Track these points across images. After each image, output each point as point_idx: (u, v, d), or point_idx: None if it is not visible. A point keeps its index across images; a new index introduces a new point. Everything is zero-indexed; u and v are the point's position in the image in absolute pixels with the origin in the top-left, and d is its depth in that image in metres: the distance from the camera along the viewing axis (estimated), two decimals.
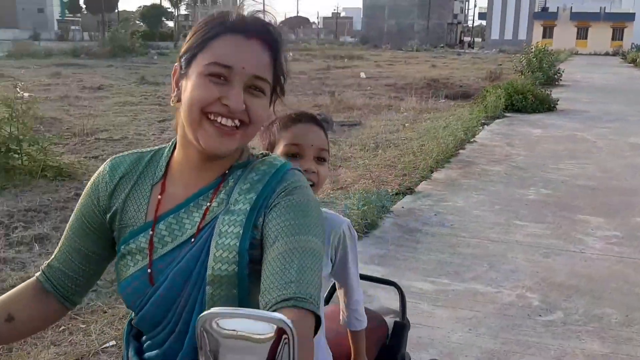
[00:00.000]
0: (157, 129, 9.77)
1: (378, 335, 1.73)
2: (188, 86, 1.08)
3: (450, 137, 8.58)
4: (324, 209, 1.49)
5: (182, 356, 1.09)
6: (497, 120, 11.81)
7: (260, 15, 1.12)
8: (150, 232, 1.13)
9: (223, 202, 1.12)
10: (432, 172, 7.13)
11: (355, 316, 1.57)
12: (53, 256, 1.22)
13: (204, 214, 1.11)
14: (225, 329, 0.68)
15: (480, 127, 10.70)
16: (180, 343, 1.09)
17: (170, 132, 9.31)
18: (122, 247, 1.15)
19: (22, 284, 1.22)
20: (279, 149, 1.43)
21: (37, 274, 1.22)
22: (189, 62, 1.10)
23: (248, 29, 1.09)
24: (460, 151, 8.58)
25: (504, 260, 4.45)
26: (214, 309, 0.71)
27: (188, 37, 1.12)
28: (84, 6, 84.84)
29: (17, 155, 6.54)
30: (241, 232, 1.06)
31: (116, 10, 79.01)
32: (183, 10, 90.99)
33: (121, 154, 1.25)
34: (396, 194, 6.10)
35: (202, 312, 1.04)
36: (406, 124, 10.66)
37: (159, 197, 1.16)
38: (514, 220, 5.42)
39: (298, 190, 1.10)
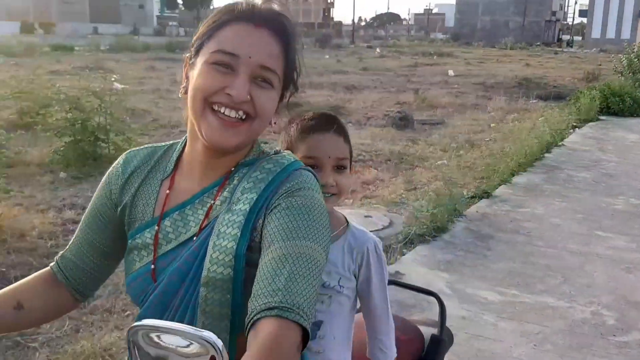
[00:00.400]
0: None
1: (413, 348, 1.64)
2: (194, 75, 1.06)
3: (535, 140, 8.18)
4: (353, 223, 1.43)
5: None
6: (590, 124, 11.17)
7: (272, 5, 1.08)
8: (156, 228, 1.11)
9: (226, 201, 1.08)
10: (513, 175, 6.83)
11: (380, 346, 1.45)
12: (67, 247, 1.23)
13: (207, 212, 1.08)
14: (155, 344, 0.64)
15: (571, 130, 10.15)
16: None
17: None
18: (130, 241, 1.14)
19: (35, 274, 1.23)
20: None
21: (51, 264, 1.23)
22: (197, 52, 1.08)
23: (257, 17, 1.05)
24: (546, 155, 8.17)
25: (580, 274, 4.17)
26: (145, 321, 0.68)
27: (200, 27, 1.10)
28: (180, 2, 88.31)
29: (104, 144, 6.87)
30: (239, 234, 1.02)
31: (211, 7, 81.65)
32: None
33: (136, 148, 1.24)
34: (472, 197, 5.89)
35: (195, 314, 1.03)
36: (492, 125, 10.29)
37: (167, 192, 1.14)
38: (597, 231, 5.08)
39: (302, 192, 1.05)
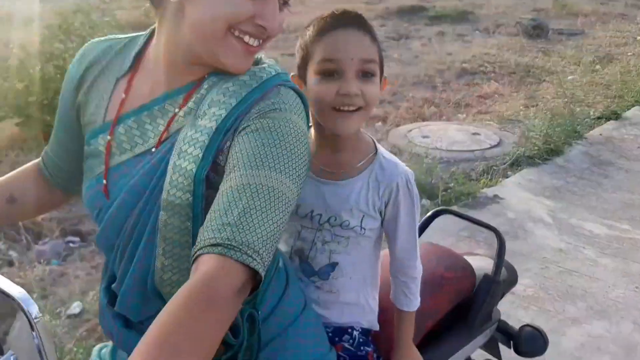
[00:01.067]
0: None
1: (460, 287, 1.49)
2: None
3: None
4: (383, 151, 1.23)
5: (124, 289, 1.00)
6: None
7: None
8: (108, 136, 1.01)
9: (191, 113, 0.96)
10: None
11: (404, 290, 1.28)
12: (49, 142, 1.18)
13: (168, 123, 0.97)
14: None
15: None
16: (125, 272, 1.00)
17: None
18: (85, 146, 1.06)
19: (24, 167, 1.21)
20: (312, 66, 1.17)
21: (38, 159, 1.20)
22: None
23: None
24: None
25: None
26: None
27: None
28: None
29: None
30: (200, 156, 0.90)
31: None
32: None
33: (97, 39, 1.12)
34: (597, 118, 5.33)
35: (154, 239, 0.94)
36: (638, 37, 9.14)
37: (123, 94, 1.02)
38: None
39: (277, 113, 0.91)
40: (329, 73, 1.13)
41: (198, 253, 0.78)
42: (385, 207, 1.22)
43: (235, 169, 0.86)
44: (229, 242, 0.77)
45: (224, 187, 0.85)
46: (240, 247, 0.77)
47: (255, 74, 0.96)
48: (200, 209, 0.91)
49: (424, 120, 5.48)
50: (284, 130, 0.89)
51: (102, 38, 1.11)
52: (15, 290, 0.76)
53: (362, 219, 1.22)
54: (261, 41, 0.96)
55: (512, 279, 1.65)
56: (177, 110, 0.97)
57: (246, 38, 0.93)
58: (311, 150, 1.22)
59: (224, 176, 0.87)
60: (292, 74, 1.18)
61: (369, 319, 1.32)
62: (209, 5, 0.91)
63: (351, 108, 1.14)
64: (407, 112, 5.66)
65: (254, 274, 0.78)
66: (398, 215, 1.23)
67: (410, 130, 5.05)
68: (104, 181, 1.00)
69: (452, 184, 3.95)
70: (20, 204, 1.15)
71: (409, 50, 8.17)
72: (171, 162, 0.92)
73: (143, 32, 1.07)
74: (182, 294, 0.72)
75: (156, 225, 0.94)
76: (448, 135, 4.89)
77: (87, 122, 1.06)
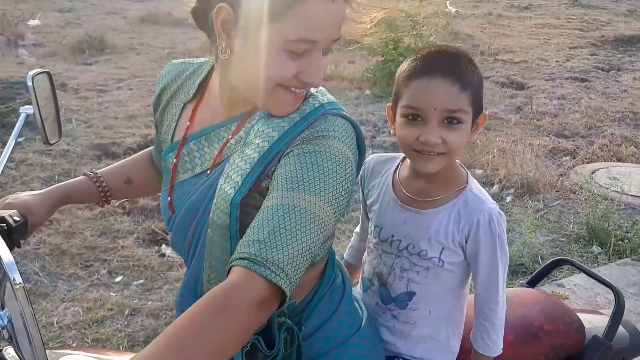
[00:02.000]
0: (565, 55, 9.06)
1: (562, 342, 1.34)
2: (256, 54, 0.94)
3: None
4: (475, 188, 1.19)
5: (180, 295, 1.09)
6: None
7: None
8: (175, 158, 1.10)
9: (241, 141, 1.01)
10: None
11: (483, 334, 1.21)
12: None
13: (222, 148, 1.04)
14: None
15: None
16: (184, 280, 1.08)
17: (577, 60, 8.55)
18: (162, 162, 1.16)
19: (141, 152, 1.38)
20: (399, 107, 1.17)
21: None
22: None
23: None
24: None
25: None
26: None
27: None
28: None
29: None
30: (240, 182, 0.96)
31: None
32: None
33: (179, 60, 1.21)
34: None
35: (204, 252, 1.02)
36: None
37: (189, 122, 1.11)
38: None
39: (320, 140, 0.93)
40: (412, 117, 1.14)
41: (230, 264, 0.84)
42: (466, 242, 1.18)
43: (274, 189, 0.91)
44: (255, 257, 0.82)
45: (263, 206, 0.90)
46: (265, 263, 0.82)
47: (299, 108, 1.00)
48: (236, 231, 0.96)
49: (619, 160, 4.98)
50: (324, 155, 0.92)
51: (180, 60, 1.22)
52: (5, 257, 0.85)
53: (441, 251, 1.19)
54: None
55: (634, 349, 1.44)
56: (229, 137, 1.04)
57: (293, 89, 0.97)
58: (402, 178, 1.23)
59: (266, 196, 0.92)
60: (388, 104, 1.22)
61: (446, 358, 1.27)
62: (254, 64, 0.95)
63: (432, 154, 1.13)
64: (601, 150, 5.19)
65: (278, 290, 0.82)
66: (478, 253, 1.17)
67: (597, 170, 4.63)
68: (169, 197, 1.11)
69: (632, 234, 3.54)
70: (135, 185, 1.33)
71: (617, 82, 7.47)
72: (219, 186, 0.99)
73: (209, 59, 1.14)
74: (204, 298, 0.79)
75: (206, 240, 1.01)
76: None
77: (162, 139, 1.19)
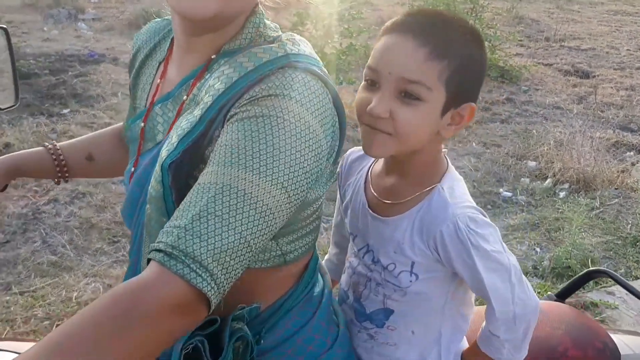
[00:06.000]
0: (637, 44, 8.48)
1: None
2: None
3: None
4: (447, 186, 0.95)
5: (126, 276, 0.93)
6: None
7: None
8: (142, 123, 0.94)
9: (194, 99, 0.84)
10: None
11: (493, 336, 0.98)
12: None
13: (178, 111, 0.87)
14: None
15: None
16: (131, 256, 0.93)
17: None
18: (128, 131, 1.01)
19: (109, 128, 1.22)
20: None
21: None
22: None
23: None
24: None
25: None
26: None
27: None
28: None
29: None
30: (175, 144, 0.79)
31: None
32: None
33: (157, 19, 1.04)
34: None
35: (143, 229, 0.86)
36: None
37: (159, 80, 0.95)
38: None
39: (272, 99, 0.75)
40: (370, 82, 0.93)
41: (148, 257, 0.68)
42: (439, 255, 0.95)
43: (209, 164, 0.73)
44: (171, 250, 0.66)
45: (195, 183, 0.73)
46: (184, 257, 0.65)
47: (255, 55, 0.81)
48: (172, 202, 0.80)
49: None
50: (276, 122, 0.73)
51: (160, 19, 1.06)
52: None
53: (412, 265, 0.97)
54: None
55: None
56: (184, 97, 0.88)
57: None
58: (374, 174, 1.03)
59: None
60: None
61: None
62: None
63: (377, 130, 0.91)
64: None
65: (202, 293, 0.66)
66: (454, 268, 0.95)
67: None
68: (132, 168, 0.95)
69: None
70: (97, 162, 1.18)
71: None
72: (160, 153, 0.83)
73: None
74: (104, 298, 0.64)
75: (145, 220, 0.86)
76: None
77: (136, 106, 1.03)
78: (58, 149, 1.13)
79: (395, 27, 0.92)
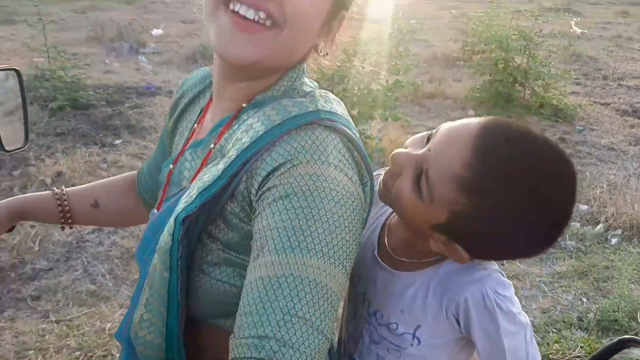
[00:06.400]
0: None
1: None
2: None
3: None
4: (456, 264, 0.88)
5: (124, 319, 0.90)
6: None
7: None
8: (171, 166, 0.92)
9: (222, 150, 0.82)
10: None
11: None
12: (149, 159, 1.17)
13: (204, 159, 0.85)
14: None
15: None
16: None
17: None
18: (160, 174, 1.00)
19: (123, 175, 1.22)
20: None
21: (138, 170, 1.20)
22: None
23: None
24: None
25: None
26: None
27: None
28: None
29: (520, 88, 6.56)
30: (194, 197, 0.77)
31: None
32: None
33: (204, 67, 1.04)
34: None
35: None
36: None
37: (196, 125, 0.93)
38: None
39: (309, 167, 0.71)
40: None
41: None
42: (457, 322, 0.89)
43: (264, 251, 0.69)
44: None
45: (252, 276, 0.70)
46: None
47: (285, 108, 0.78)
48: (177, 258, 0.77)
49: None
50: (324, 194, 0.70)
51: (209, 67, 1.04)
52: None
53: (416, 328, 0.91)
54: (265, 19, 0.76)
55: None
56: (212, 145, 0.86)
57: (237, 7, 0.76)
58: (392, 221, 0.99)
59: (251, 260, 0.72)
60: None
61: None
62: None
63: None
64: None
65: None
66: (470, 335, 0.89)
67: None
68: (155, 211, 0.93)
69: None
70: (103, 210, 1.17)
71: None
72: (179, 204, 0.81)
73: None
74: None
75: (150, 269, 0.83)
76: None
77: (172, 150, 1.02)
78: (64, 194, 1.14)
79: None
